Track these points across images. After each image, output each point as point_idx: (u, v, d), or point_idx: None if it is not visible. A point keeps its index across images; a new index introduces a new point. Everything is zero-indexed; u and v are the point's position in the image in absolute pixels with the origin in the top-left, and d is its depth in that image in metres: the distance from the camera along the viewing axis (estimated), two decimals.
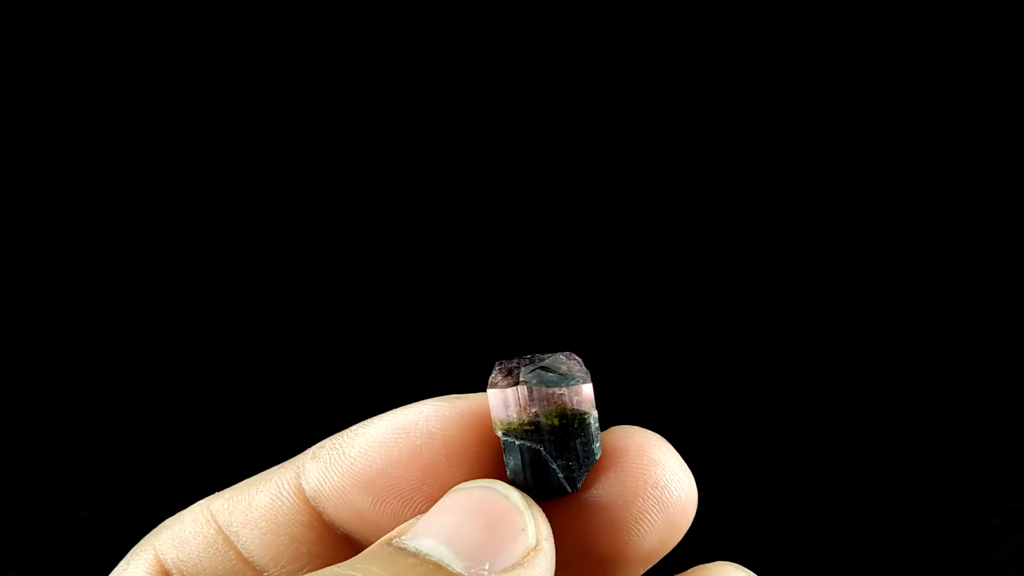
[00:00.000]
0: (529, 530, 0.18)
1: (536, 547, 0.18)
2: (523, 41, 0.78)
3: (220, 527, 0.21)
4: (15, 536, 0.63)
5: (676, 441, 0.20)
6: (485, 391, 0.20)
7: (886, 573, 0.59)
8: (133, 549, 0.22)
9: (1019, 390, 0.71)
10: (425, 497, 0.20)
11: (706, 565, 0.20)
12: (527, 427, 0.19)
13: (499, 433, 0.20)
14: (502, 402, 0.20)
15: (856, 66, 0.77)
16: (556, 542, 0.19)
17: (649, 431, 0.20)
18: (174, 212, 0.79)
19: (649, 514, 0.19)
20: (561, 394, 0.19)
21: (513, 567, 0.17)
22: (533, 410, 0.19)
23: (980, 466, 0.66)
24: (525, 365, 0.20)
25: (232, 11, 0.76)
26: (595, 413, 0.20)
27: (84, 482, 0.68)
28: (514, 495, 0.18)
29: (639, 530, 0.19)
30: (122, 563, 0.21)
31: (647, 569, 0.20)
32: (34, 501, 0.66)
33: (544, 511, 0.19)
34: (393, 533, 0.18)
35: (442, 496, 0.19)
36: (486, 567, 0.17)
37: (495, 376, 0.20)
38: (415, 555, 0.17)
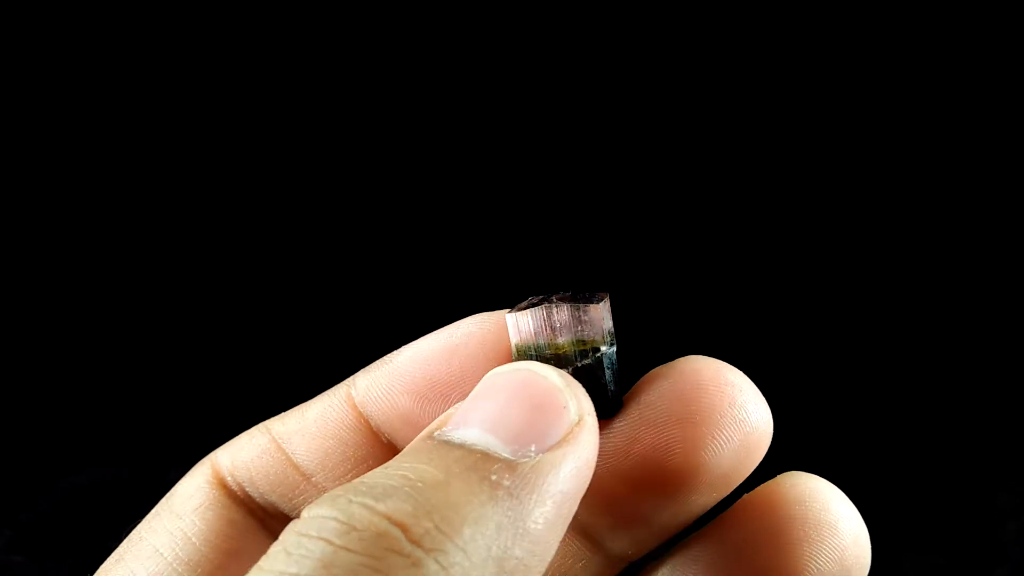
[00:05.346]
0: (571, 407, 0.18)
1: (579, 423, 0.17)
2: (493, 21, 0.77)
3: (273, 437, 0.22)
4: (12, 501, 0.63)
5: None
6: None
7: (892, 550, 0.59)
8: (193, 467, 0.23)
9: None
10: (464, 396, 0.20)
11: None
12: (563, 350, 0.19)
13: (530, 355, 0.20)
14: (521, 326, 0.20)
15: (856, 66, 0.76)
16: (628, 458, 0.19)
17: (723, 361, 0.20)
18: (169, 193, 0.78)
19: (727, 431, 0.19)
20: (583, 318, 0.19)
21: (559, 444, 0.17)
22: (560, 336, 0.19)
23: (988, 446, 0.67)
24: (552, 300, 0.20)
25: (232, 11, 0.76)
26: (610, 337, 0.20)
27: (81, 447, 0.67)
28: (552, 374, 0.18)
29: (715, 446, 0.19)
30: (184, 477, 0.22)
31: (719, 499, 0.20)
32: (31, 466, 0.66)
33: (621, 431, 0.20)
34: (433, 426, 0.18)
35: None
36: (532, 449, 0.17)
37: (520, 305, 0.20)
38: (460, 446, 0.17)
